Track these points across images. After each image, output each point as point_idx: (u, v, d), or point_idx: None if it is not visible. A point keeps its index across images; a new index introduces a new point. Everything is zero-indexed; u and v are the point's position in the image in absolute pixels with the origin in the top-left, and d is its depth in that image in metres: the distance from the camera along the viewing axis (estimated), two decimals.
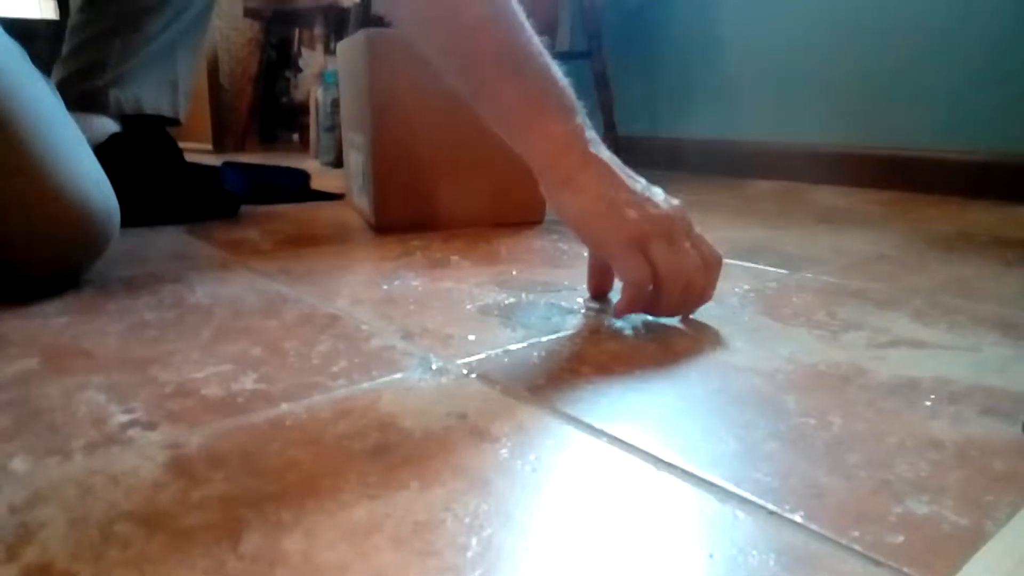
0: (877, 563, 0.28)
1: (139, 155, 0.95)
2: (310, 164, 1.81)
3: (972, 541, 0.30)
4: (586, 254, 0.83)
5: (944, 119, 1.38)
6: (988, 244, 0.91)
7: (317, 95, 2.05)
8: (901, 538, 0.30)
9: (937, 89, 1.38)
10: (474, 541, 0.30)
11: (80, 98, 0.99)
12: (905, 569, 0.28)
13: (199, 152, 2.14)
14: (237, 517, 0.31)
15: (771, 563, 0.29)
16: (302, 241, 0.91)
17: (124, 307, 0.61)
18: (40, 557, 0.28)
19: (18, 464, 0.35)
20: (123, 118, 1.04)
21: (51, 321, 0.58)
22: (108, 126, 0.99)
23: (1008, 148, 1.30)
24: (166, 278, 0.71)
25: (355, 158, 1.07)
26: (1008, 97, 1.29)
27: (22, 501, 0.32)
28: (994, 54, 1.30)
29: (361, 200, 1.06)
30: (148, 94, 1.07)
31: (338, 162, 1.80)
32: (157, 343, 0.53)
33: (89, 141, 0.71)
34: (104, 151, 0.78)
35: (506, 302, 0.64)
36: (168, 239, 0.91)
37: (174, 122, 1.13)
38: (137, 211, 0.92)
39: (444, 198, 0.99)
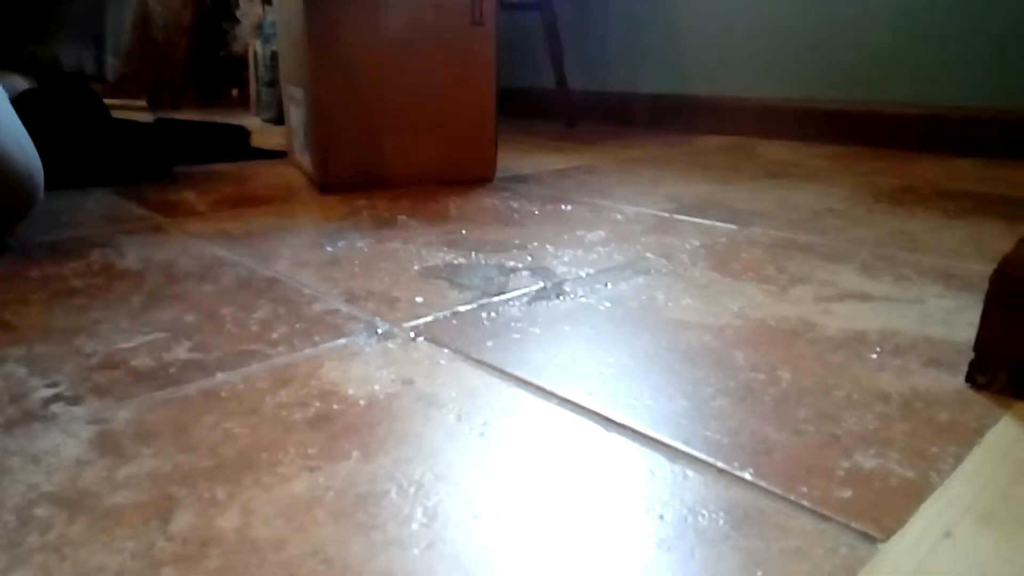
0: (825, 519, 0.28)
1: (55, 111, 0.89)
2: (250, 121, 1.74)
3: (918, 493, 0.30)
4: (537, 212, 0.82)
5: (890, 74, 1.39)
6: (932, 197, 0.93)
7: (256, 48, 1.97)
8: (849, 492, 0.30)
9: (882, 45, 1.39)
10: (419, 512, 0.29)
11: None
12: (852, 524, 0.28)
13: (132, 110, 2.03)
14: (167, 495, 0.29)
15: (720, 522, 0.28)
16: (241, 201, 0.87)
17: (48, 274, 0.58)
18: None
19: None
20: (41, 77, 0.97)
21: None
22: (18, 83, 0.92)
23: (952, 103, 1.32)
24: (94, 242, 0.67)
25: (295, 113, 1.03)
26: (951, 53, 1.31)
27: None
28: (939, 11, 1.31)
29: (303, 158, 1.02)
30: (68, 50, 0.99)
31: (279, 118, 1.74)
32: (83, 311, 0.50)
33: None
34: (15, 108, 0.73)
35: (455, 262, 0.62)
36: (97, 201, 0.86)
37: (102, 80, 1.06)
38: (62, 171, 0.86)
39: (391, 154, 0.96)
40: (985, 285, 0.39)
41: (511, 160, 1.21)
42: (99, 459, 0.32)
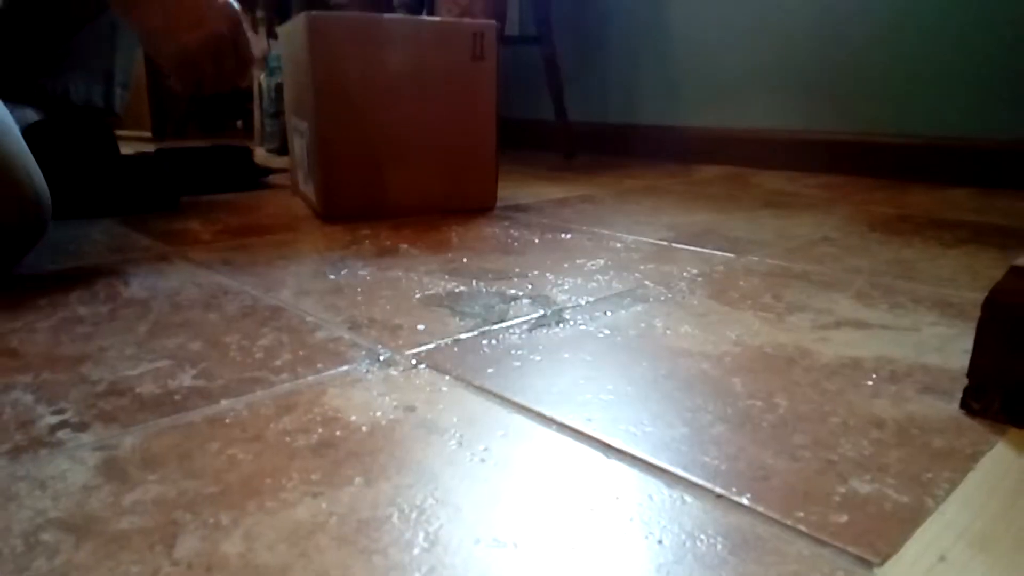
0: (822, 543, 0.29)
1: (64, 144, 0.91)
2: (255, 151, 1.76)
3: (913, 518, 0.30)
4: (537, 240, 0.83)
5: (886, 105, 1.41)
6: (927, 226, 0.94)
7: (261, 80, 2.00)
8: (845, 518, 0.30)
9: (878, 76, 1.41)
10: (420, 537, 0.29)
11: (4, 86, 0.93)
12: (849, 549, 0.28)
13: (138, 140, 2.06)
14: (173, 520, 0.30)
15: (718, 547, 0.29)
16: (245, 231, 0.88)
17: (55, 302, 0.59)
18: None
19: None
20: (51, 109, 0.99)
21: None
22: (29, 115, 0.94)
23: (947, 132, 1.34)
24: (101, 271, 0.68)
25: (299, 145, 1.05)
26: (946, 84, 1.33)
27: None
28: (934, 42, 1.34)
29: (307, 188, 1.03)
30: (78, 84, 1.01)
31: (283, 149, 1.76)
32: (89, 339, 0.50)
33: None
34: (26, 140, 0.74)
35: (456, 290, 0.63)
36: (104, 231, 0.87)
37: (111, 112, 1.08)
38: (69, 202, 0.88)
39: (393, 184, 0.97)
40: (979, 313, 0.40)
41: (512, 190, 1.23)
42: (105, 485, 0.32)
